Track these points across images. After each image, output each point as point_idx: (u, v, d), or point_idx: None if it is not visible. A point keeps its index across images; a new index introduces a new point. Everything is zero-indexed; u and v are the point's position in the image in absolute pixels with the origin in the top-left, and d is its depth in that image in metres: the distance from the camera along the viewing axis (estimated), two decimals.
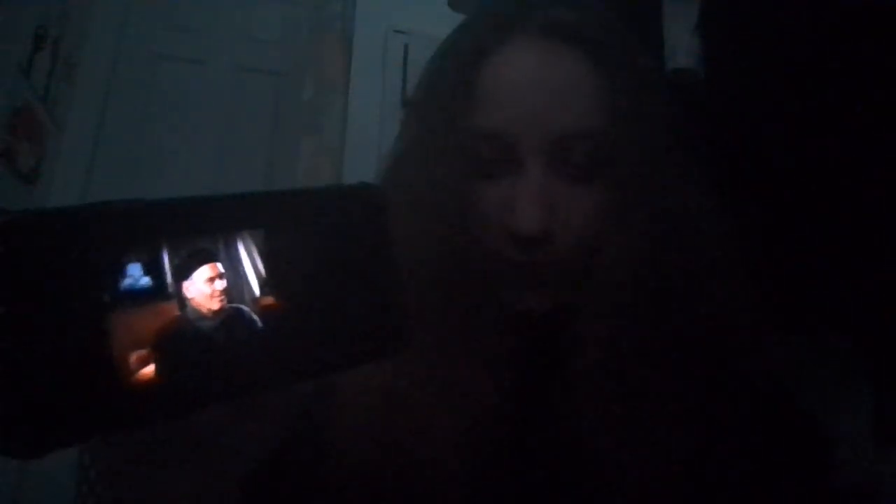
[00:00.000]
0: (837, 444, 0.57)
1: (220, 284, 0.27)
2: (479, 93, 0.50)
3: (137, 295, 0.25)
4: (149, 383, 0.25)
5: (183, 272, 0.26)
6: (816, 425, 0.55)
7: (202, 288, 0.27)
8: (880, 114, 0.68)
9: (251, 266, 0.28)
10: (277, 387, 0.30)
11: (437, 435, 0.46)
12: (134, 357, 0.25)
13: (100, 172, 1.96)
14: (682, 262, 0.49)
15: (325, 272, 0.30)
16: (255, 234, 0.28)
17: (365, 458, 0.46)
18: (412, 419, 0.47)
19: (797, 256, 0.71)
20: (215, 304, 0.27)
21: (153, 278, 0.26)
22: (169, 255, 0.26)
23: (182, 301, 0.27)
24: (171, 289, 0.26)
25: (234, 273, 0.28)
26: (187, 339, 0.27)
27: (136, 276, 0.25)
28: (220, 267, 0.27)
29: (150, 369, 0.25)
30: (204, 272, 0.27)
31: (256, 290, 0.28)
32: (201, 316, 0.27)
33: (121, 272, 0.25)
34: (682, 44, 0.85)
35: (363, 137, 1.96)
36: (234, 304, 0.28)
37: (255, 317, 0.28)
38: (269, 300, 0.28)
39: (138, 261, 0.25)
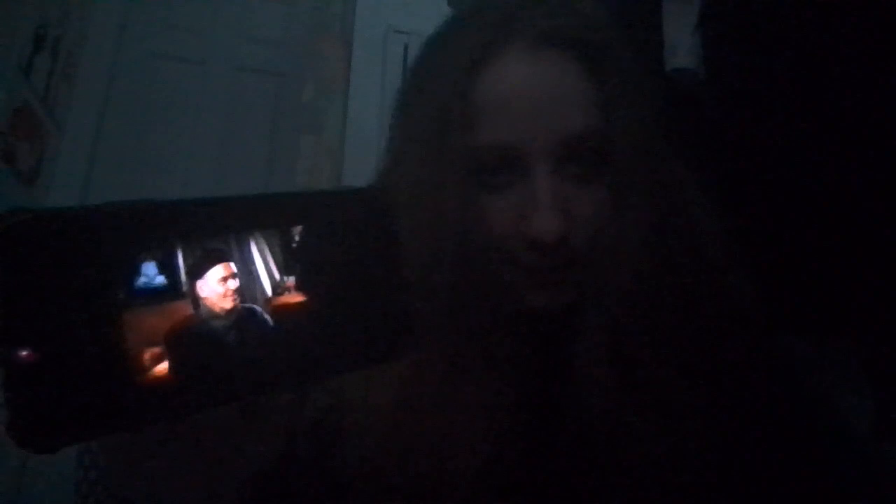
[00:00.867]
0: (837, 443, 0.57)
1: (233, 284, 0.28)
2: (476, 107, 0.50)
3: (151, 293, 0.26)
4: (162, 381, 0.26)
5: (196, 271, 0.27)
6: (816, 423, 0.55)
7: (215, 287, 0.27)
8: (881, 114, 0.69)
9: (263, 266, 0.29)
10: (288, 387, 0.30)
11: (454, 441, 0.46)
12: (147, 354, 0.26)
13: (100, 172, 1.96)
14: (685, 256, 0.50)
15: (338, 273, 0.31)
16: (269, 235, 0.29)
17: (379, 465, 0.46)
18: (427, 425, 0.47)
19: (797, 256, 0.72)
20: (228, 304, 0.28)
21: (167, 277, 0.26)
22: (183, 254, 0.26)
23: (195, 300, 0.27)
24: (184, 288, 0.27)
25: (246, 273, 0.28)
26: (200, 337, 0.27)
27: (150, 274, 0.26)
28: (233, 267, 0.28)
29: (163, 367, 0.26)
30: (217, 272, 0.27)
31: (269, 290, 0.29)
32: (214, 315, 0.28)
33: (136, 271, 0.25)
34: (682, 44, 0.86)
35: (363, 137, 1.96)
36: (246, 304, 0.28)
37: (268, 316, 0.29)
38: (282, 300, 0.29)
39: (153, 260, 0.26)
